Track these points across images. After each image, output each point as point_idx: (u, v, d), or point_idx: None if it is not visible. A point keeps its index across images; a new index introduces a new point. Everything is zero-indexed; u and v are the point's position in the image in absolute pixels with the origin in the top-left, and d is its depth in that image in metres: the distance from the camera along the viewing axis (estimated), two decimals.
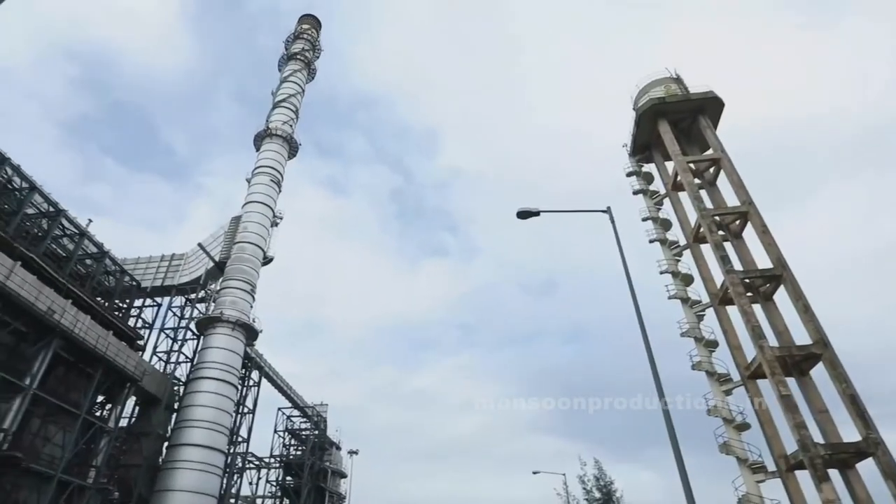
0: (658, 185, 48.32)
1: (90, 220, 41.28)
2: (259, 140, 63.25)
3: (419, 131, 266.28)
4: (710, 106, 44.39)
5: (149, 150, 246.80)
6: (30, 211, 35.75)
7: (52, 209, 37.65)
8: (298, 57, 70.35)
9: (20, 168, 35.33)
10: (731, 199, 40.99)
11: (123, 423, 42.15)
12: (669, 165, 45.40)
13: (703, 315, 40.31)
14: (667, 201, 45.84)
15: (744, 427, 34.83)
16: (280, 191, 61.13)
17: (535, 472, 44.62)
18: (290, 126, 65.14)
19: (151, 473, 42.14)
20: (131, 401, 42.86)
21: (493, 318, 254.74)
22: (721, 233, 39.99)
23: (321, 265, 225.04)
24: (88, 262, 41.65)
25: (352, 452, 73.14)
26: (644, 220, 46.25)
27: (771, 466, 32.76)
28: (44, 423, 33.20)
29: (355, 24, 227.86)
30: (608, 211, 20.41)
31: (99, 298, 41.21)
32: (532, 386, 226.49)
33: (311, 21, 76.13)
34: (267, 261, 57.07)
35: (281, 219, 60.46)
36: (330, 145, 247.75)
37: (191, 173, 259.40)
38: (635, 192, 48.32)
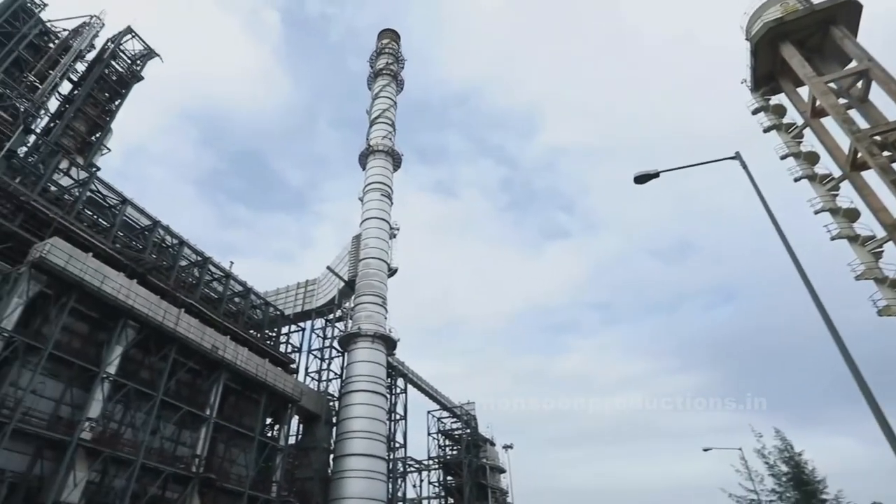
0: (793, 117, 42.52)
1: (232, 263, 45.66)
2: (364, 158, 65.89)
3: (516, 115, 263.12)
4: (844, 12, 37.99)
5: (269, 189, 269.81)
6: (182, 263, 40.10)
7: (200, 258, 42.05)
8: (384, 72, 72.39)
9: (169, 227, 39.93)
10: (891, 113, 34.80)
11: (291, 440, 45.75)
12: (803, 92, 39.79)
13: (881, 252, 34.40)
14: (808, 132, 40.16)
15: None
16: (392, 203, 63.08)
17: (706, 449, 41.19)
18: (390, 139, 67.09)
19: (323, 484, 45.30)
20: (295, 420, 46.47)
21: (628, 291, 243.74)
22: (886, 153, 34.02)
23: (445, 267, 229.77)
24: (237, 299, 45.91)
25: (507, 447, 73.21)
26: (783, 157, 40.92)
27: None
28: (227, 447, 37.03)
29: (432, 25, 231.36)
30: (737, 157, 18.00)
31: (251, 331, 45.26)
32: (685, 356, 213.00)
33: (390, 35, 78.08)
34: (392, 272, 59.06)
35: (398, 230, 62.34)
36: (432, 150, 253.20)
37: (308, 202, 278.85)
38: (766, 130, 42.91)
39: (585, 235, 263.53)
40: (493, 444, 74.20)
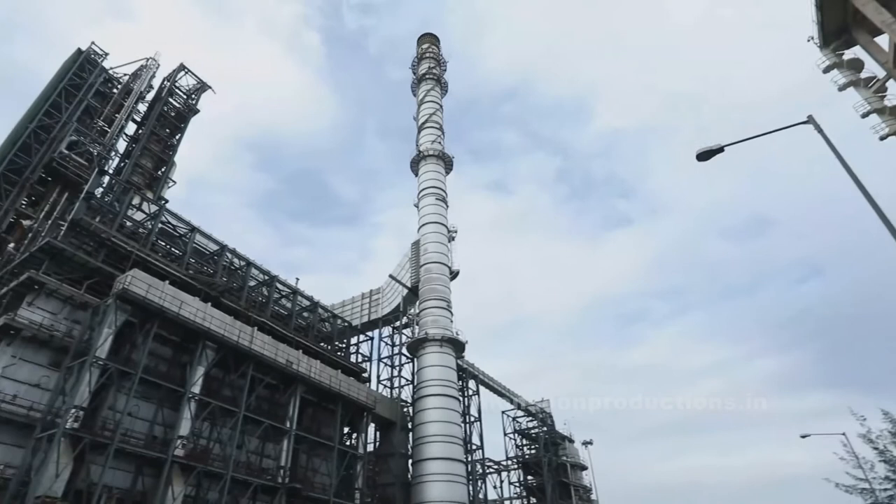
0: (872, 69, 39.14)
1: (297, 279, 47.12)
2: (415, 165, 66.45)
3: (567, 104, 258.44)
4: None
5: (326, 205, 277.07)
6: (251, 283, 41.69)
7: (267, 277, 43.60)
8: (427, 76, 72.88)
9: (236, 251, 41.65)
10: None
11: (370, 447, 46.49)
12: (882, 41, 36.62)
13: None
14: (891, 84, 36.84)
15: None
16: (447, 206, 63.22)
17: (803, 436, 38.55)
18: (440, 143, 67.36)
19: (404, 489, 45.72)
20: (371, 427, 47.20)
21: (699, 275, 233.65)
22: None
23: (507, 265, 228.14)
24: (305, 314, 47.23)
25: (586, 443, 71.31)
26: (864, 115, 37.81)
27: None
28: (309, 457, 38.09)
29: (471, 23, 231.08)
30: (810, 120, 16.69)
31: (322, 343, 46.43)
32: (770, 338, 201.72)
33: (429, 39, 78.57)
34: (454, 275, 59.06)
35: (456, 232, 62.31)
36: (484, 148, 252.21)
37: (364, 214, 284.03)
38: (841, 88, 39.74)
39: (649, 221, 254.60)
40: (571, 441, 72.70)
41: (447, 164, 66.76)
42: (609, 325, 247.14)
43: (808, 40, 42.58)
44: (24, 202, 39.68)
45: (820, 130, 16.41)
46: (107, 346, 26.98)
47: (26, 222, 36.91)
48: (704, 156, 17.82)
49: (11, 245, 35.60)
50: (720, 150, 17.57)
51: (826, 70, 41.17)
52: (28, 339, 27.16)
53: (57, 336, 28.09)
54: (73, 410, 24.29)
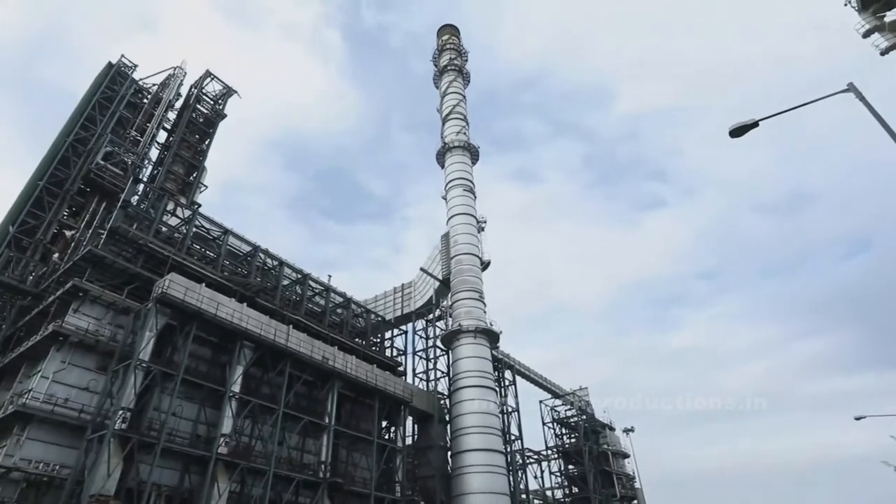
0: None
1: (329, 276, 47.59)
2: (441, 157, 66.26)
3: (589, 88, 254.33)
4: None
5: (356, 202, 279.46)
6: (284, 282, 42.30)
7: (299, 276, 44.16)
8: (449, 68, 72.45)
9: (268, 251, 42.30)
10: None
11: (408, 441, 46.75)
12: None
13: None
14: None
15: None
16: (475, 197, 62.86)
17: (857, 418, 37.03)
18: (465, 134, 66.95)
19: (445, 481, 45.90)
20: (409, 420, 47.48)
21: (739, 254, 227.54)
22: None
23: (539, 253, 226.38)
24: (339, 310, 47.71)
25: (627, 431, 70.48)
26: None
27: None
28: (349, 452, 38.55)
29: (489, 12, 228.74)
30: (851, 88, 15.79)
31: (356, 339, 46.85)
32: (816, 317, 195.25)
33: (449, 30, 78.07)
34: (485, 265, 58.79)
35: (485, 223, 61.93)
36: (508, 137, 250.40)
37: (394, 208, 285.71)
38: (884, 52, 37.78)
39: (683, 202, 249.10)
40: (612, 428, 71.78)
41: (473, 154, 66.35)
42: (647, 309, 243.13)
43: (846, 4, 40.66)
44: (65, 213, 41.17)
45: (861, 98, 15.51)
46: (149, 348, 27.76)
47: (69, 232, 38.26)
48: (738, 132, 17.01)
49: (56, 255, 36.97)
50: (754, 124, 16.74)
51: (866, 34, 39.20)
52: (75, 344, 28.17)
53: (102, 341, 29.06)
54: (120, 412, 25.10)
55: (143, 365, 27.02)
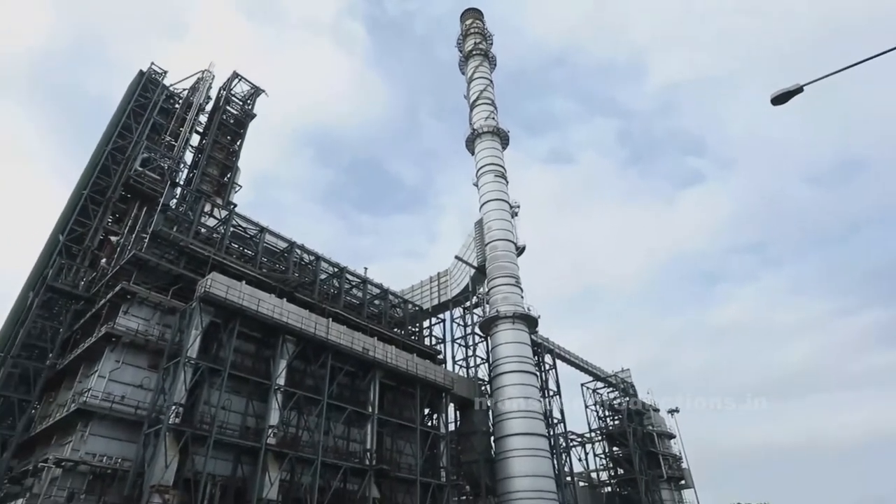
0: None
1: (366, 268, 48.12)
2: (471, 143, 65.92)
3: (620, 62, 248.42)
4: None
5: (388, 192, 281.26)
6: (322, 276, 42.96)
7: (336, 269, 44.80)
8: (474, 52, 71.72)
9: (304, 246, 43.02)
10: None
11: (451, 427, 47.14)
12: None
13: None
14: None
15: None
16: (507, 182, 62.38)
17: None
18: (494, 119, 66.39)
19: (489, 466, 46.18)
20: (451, 407, 47.82)
21: (784, 227, 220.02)
22: None
23: (575, 235, 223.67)
24: (376, 301, 48.24)
25: (672, 411, 69.30)
26: None
27: None
28: (393, 440, 39.14)
29: None
30: None
31: (395, 329, 47.33)
32: (868, 291, 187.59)
33: (472, 14, 77.20)
34: (520, 250, 58.44)
35: (518, 207, 61.41)
36: (539, 119, 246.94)
37: (426, 197, 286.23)
38: None
39: (723, 175, 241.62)
40: (656, 409, 70.77)
41: (503, 139, 65.79)
42: (687, 287, 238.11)
43: None
44: (110, 220, 42.76)
45: None
46: (196, 346, 28.69)
47: (114, 238, 39.73)
48: (780, 99, 16.08)
49: (104, 260, 38.49)
50: (799, 90, 15.78)
51: None
52: (127, 344, 29.39)
53: (152, 340, 30.22)
54: (173, 407, 26.13)
55: (192, 362, 27.96)
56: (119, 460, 26.65)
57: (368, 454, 35.04)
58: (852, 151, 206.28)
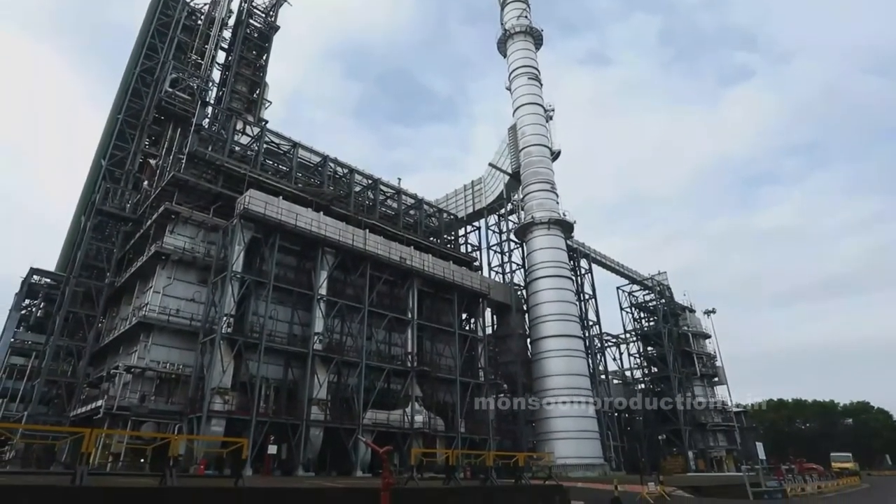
0: None
1: (399, 179, 48.26)
2: (502, 45, 62.85)
3: None
4: None
5: (420, 103, 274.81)
6: (356, 188, 43.40)
7: (370, 181, 45.08)
8: None
9: (337, 159, 43.16)
10: None
11: (488, 331, 48.92)
12: None
13: None
14: None
15: None
16: (541, 84, 59.82)
17: None
18: (526, 17, 62.55)
19: (525, 366, 48.24)
20: (488, 312, 49.36)
21: (842, 123, 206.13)
22: None
23: (616, 140, 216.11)
24: (412, 212, 48.74)
25: (708, 312, 69.70)
26: None
27: None
28: (433, 343, 41.04)
29: None
30: None
31: (431, 238, 48.09)
32: None
33: None
34: (555, 156, 57.12)
35: (553, 111, 59.26)
36: (575, 17, 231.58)
37: (459, 105, 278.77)
38: None
39: (775, 70, 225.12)
40: (692, 311, 71.19)
41: (536, 39, 62.32)
42: (731, 190, 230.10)
43: None
44: (146, 142, 43.64)
45: None
46: (241, 261, 30.13)
47: (153, 160, 40.75)
48: None
49: (146, 182, 39.79)
50: None
51: None
52: (176, 261, 31.17)
53: (199, 257, 31.90)
54: (224, 318, 27.98)
55: (238, 276, 29.50)
56: (181, 366, 29.21)
57: (410, 357, 37.02)
58: None
